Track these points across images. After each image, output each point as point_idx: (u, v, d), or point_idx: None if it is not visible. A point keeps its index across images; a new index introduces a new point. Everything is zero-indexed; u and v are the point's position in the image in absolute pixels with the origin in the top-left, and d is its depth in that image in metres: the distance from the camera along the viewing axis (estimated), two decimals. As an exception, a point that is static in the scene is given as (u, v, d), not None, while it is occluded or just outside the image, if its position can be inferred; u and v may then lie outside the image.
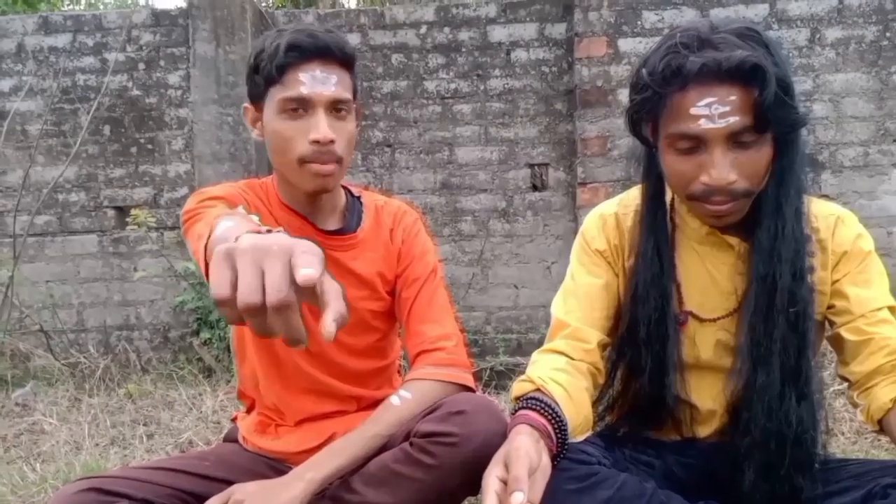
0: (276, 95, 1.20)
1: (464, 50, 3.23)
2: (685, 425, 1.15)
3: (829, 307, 1.09)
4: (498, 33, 3.23)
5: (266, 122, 1.24)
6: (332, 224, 1.33)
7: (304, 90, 1.18)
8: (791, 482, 1.03)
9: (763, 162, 0.99)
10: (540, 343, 1.21)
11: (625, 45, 3.07)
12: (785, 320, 1.03)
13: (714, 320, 1.12)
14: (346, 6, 5.45)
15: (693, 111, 0.97)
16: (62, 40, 3.37)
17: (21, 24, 3.40)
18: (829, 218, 1.11)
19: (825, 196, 3.09)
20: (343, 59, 1.22)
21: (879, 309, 1.05)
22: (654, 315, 1.10)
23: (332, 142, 1.18)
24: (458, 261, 3.25)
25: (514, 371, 2.87)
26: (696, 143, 0.99)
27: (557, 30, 3.20)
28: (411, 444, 1.19)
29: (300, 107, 1.19)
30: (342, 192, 1.38)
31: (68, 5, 6.62)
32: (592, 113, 3.07)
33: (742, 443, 1.06)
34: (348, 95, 1.22)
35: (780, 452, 1.03)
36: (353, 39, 3.27)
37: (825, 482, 1.06)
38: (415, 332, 1.32)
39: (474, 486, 1.23)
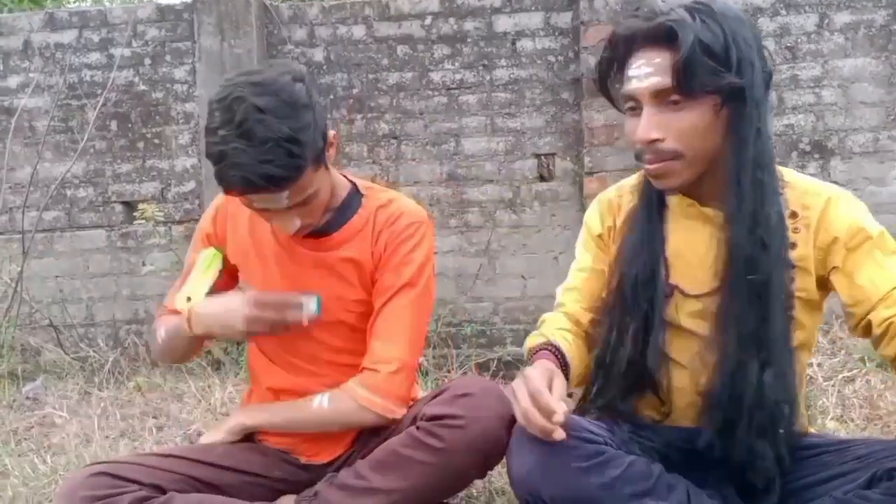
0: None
1: (469, 40, 3.22)
2: (664, 389, 1.15)
3: (850, 297, 1.06)
4: (503, 23, 3.21)
5: None
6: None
7: (255, 208, 1.18)
8: (751, 448, 1.04)
9: (695, 125, 1.03)
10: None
11: (631, 33, 3.05)
12: (747, 287, 1.04)
13: (698, 297, 1.13)
14: None
15: (629, 73, 1.07)
16: (68, 36, 3.38)
17: (27, 22, 3.40)
18: (819, 196, 1.10)
19: (835, 182, 3.06)
20: (277, 187, 1.11)
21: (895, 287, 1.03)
22: (643, 279, 1.12)
23: (295, 228, 1.21)
24: (465, 252, 3.24)
25: (522, 361, 2.86)
26: (636, 104, 1.06)
27: (563, 18, 3.18)
28: (418, 427, 1.19)
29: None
30: (341, 190, 1.33)
31: (74, 2, 6.65)
32: (599, 102, 3.05)
33: (704, 403, 1.08)
34: (300, 197, 1.15)
35: (736, 412, 1.04)
36: (358, 31, 3.26)
37: (829, 464, 1.05)
38: (369, 345, 1.29)
39: (481, 469, 1.23)
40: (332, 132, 1.21)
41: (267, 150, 1.06)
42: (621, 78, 1.10)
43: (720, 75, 0.99)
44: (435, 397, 1.24)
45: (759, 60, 1.02)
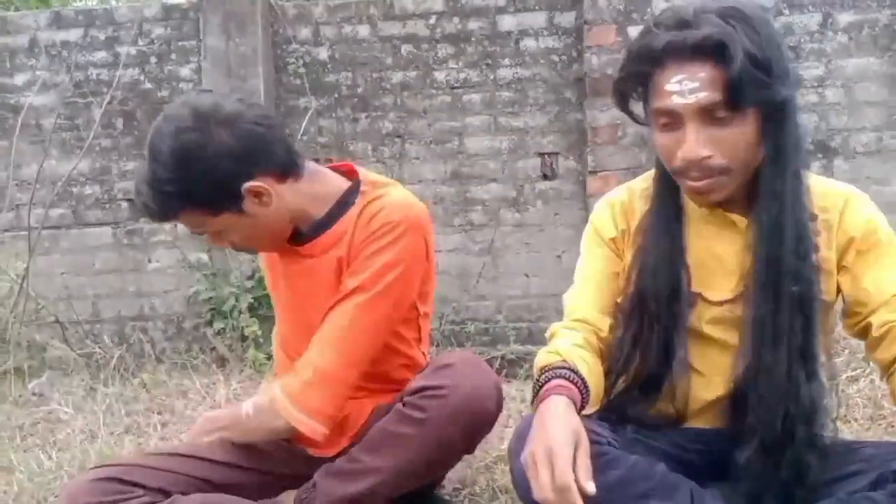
0: None
1: (473, 40, 3.23)
2: (680, 397, 1.13)
3: (853, 298, 1.07)
4: (507, 22, 3.22)
5: None
6: (304, 228, 1.30)
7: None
8: (799, 461, 1.02)
9: (743, 139, 1.00)
10: (551, 332, 1.21)
11: (634, 32, 3.05)
12: (790, 299, 1.02)
13: (721, 303, 1.12)
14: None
15: (667, 88, 1.00)
16: (74, 35, 3.39)
17: (34, 20, 3.42)
18: (838, 197, 1.10)
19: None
20: (149, 217, 1.27)
21: None
22: (666, 291, 1.10)
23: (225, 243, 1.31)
24: (468, 250, 3.25)
25: (526, 359, 2.87)
26: (674, 120, 1.01)
27: (566, 18, 3.18)
28: (404, 403, 1.20)
29: None
30: (330, 195, 1.29)
31: (80, 0, 6.66)
32: (602, 101, 3.06)
33: (748, 421, 1.05)
34: (197, 230, 1.27)
35: (788, 431, 1.02)
36: (363, 30, 3.27)
37: (837, 466, 1.05)
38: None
39: (468, 440, 1.23)
40: (254, 184, 1.18)
41: (139, 184, 1.22)
42: (645, 91, 1.05)
43: (769, 88, 0.96)
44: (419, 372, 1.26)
45: (789, 65, 1.00)
